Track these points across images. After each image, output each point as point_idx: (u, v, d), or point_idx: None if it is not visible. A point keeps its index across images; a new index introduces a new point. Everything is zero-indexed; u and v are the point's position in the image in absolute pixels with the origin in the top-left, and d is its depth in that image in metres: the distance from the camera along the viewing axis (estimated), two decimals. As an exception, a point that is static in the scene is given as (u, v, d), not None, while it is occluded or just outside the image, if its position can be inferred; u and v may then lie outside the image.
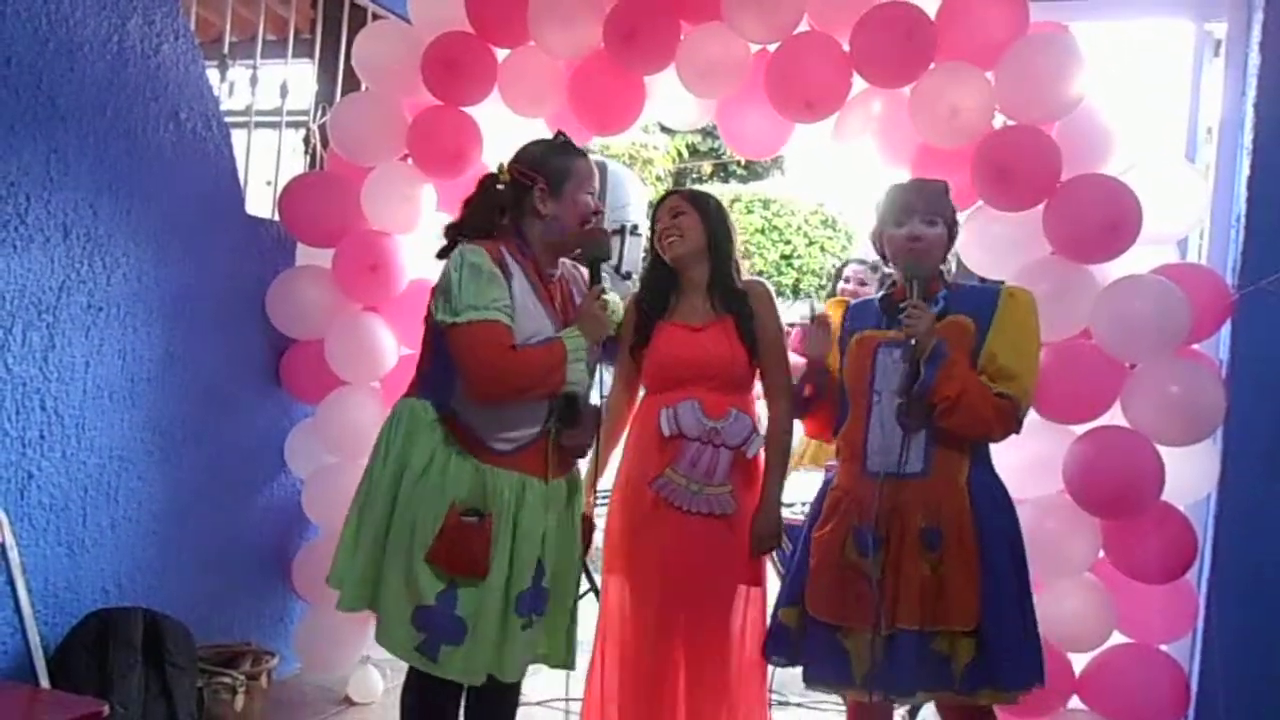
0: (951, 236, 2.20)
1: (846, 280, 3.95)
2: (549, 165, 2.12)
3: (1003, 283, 2.33)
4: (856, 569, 2.11)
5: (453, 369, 2.05)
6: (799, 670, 2.27)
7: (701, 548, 2.34)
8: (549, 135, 2.28)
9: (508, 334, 2.00)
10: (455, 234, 2.14)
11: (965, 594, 2.04)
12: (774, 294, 2.50)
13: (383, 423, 2.16)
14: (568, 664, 2.24)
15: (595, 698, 2.49)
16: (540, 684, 3.13)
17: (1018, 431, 2.09)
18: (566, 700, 2.54)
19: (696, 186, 16.04)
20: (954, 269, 2.40)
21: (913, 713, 2.17)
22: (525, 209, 2.12)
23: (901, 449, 2.09)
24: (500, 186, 2.15)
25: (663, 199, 2.46)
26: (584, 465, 2.35)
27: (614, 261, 3.70)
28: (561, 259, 2.22)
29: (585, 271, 2.23)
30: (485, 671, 2.05)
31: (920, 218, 2.13)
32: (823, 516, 2.22)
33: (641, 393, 2.52)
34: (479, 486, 2.04)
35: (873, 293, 3.89)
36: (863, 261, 4.01)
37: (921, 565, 2.06)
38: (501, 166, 2.18)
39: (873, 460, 2.13)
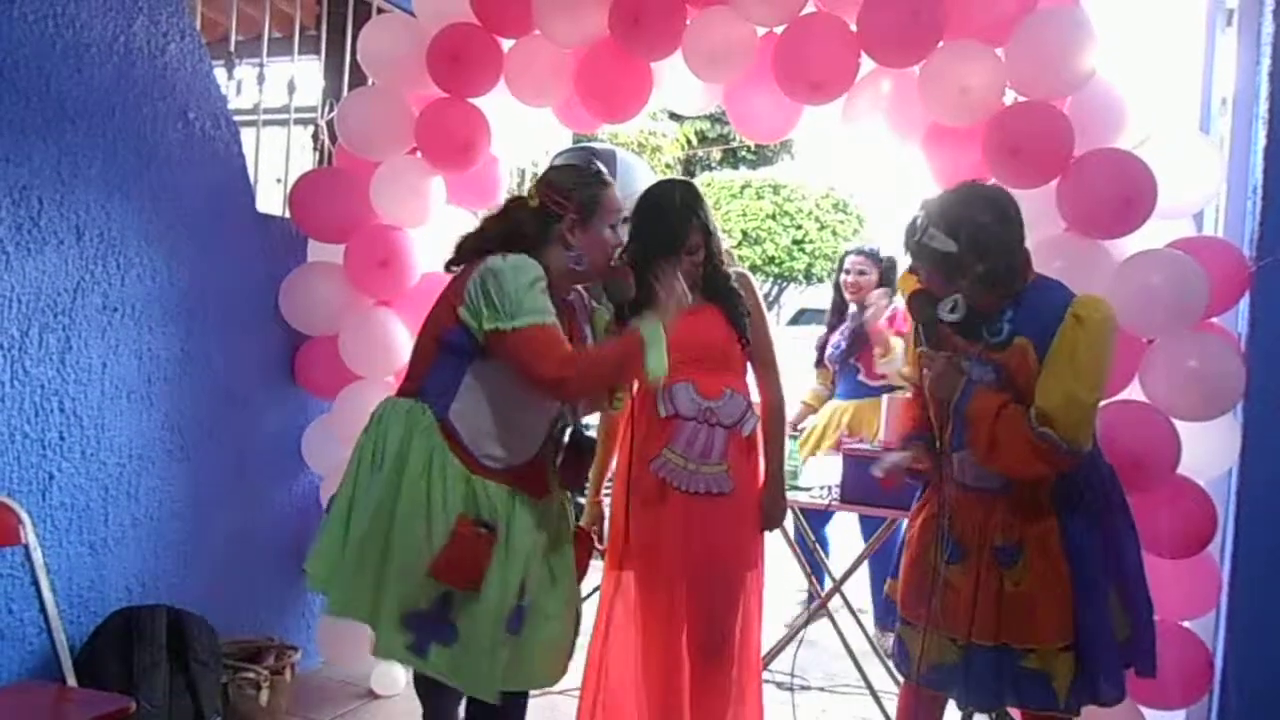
0: (955, 275, 1.95)
1: (847, 271, 3.95)
2: (581, 196, 2.07)
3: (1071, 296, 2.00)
4: (934, 570, 2.08)
5: (456, 378, 2.01)
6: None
7: (700, 528, 2.35)
8: (575, 158, 2.22)
9: (556, 333, 1.95)
10: (477, 246, 2.08)
11: (1053, 609, 1.97)
12: (754, 282, 2.54)
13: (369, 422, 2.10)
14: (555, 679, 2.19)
15: (592, 691, 2.48)
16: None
17: (1077, 462, 1.93)
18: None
19: (705, 174, 16.00)
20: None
21: (967, 718, 2.15)
22: (551, 236, 2.07)
23: (956, 462, 2.07)
24: (529, 211, 2.09)
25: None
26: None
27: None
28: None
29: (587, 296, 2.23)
30: (486, 685, 1.99)
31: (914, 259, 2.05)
32: (915, 507, 2.22)
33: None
34: (471, 496, 2.00)
35: (874, 281, 3.92)
36: (861, 250, 4.02)
37: (1001, 581, 2.00)
38: (531, 191, 2.13)
39: (955, 468, 2.09)
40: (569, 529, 2.21)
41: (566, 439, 2.17)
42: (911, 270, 2.09)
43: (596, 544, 2.42)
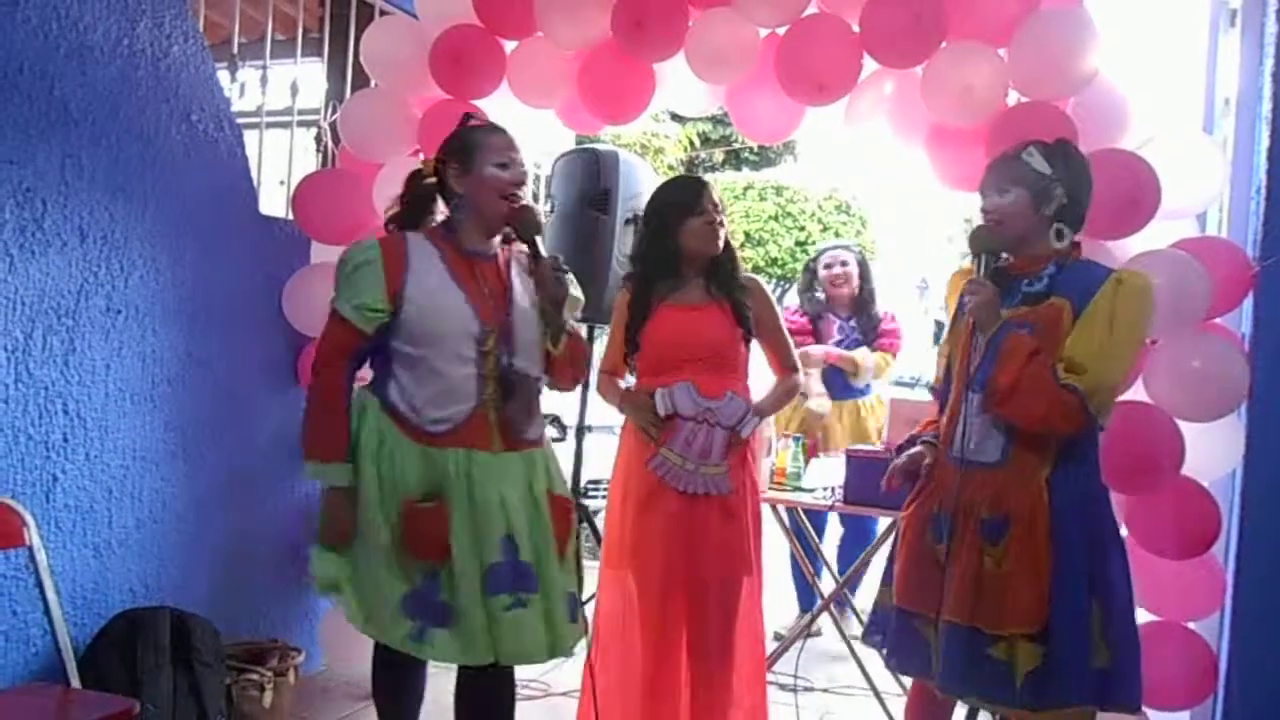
0: (1042, 200, 2.00)
1: (829, 266, 3.91)
2: (457, 144, 2.14)
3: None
4: (934, 555, 2.05)
5: (386, 361, 2.10)
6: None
7: (701, 529, 2.35)
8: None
9: (344, 332, 2.06)
10: (387, 227, 2.19)
11: (1028, 594, 1.91)
12: (768, 287, 2.56)
13: None
14: (567, 651, 2.14)
15: (592, 692, 2.47)
16: (565, 675, 3.14)
17: (1091, 426, 1.94)
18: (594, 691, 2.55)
19: (708, 175, 16.04)
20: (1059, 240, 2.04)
21: (972, 714, 2.14)
22: (448, 194, 2.15)
23: (964, 432, 2.03)
24: (428, 180, 2.18)
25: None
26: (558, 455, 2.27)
27: (627, 252, 3.73)
28: (508, 242, 2.20)
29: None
30: (483, 655, 2.01)
31: (993, 188, 2.05)
32: (910, 495, 2.19)
33: (631, 379, 2.52)
34: (426, 467, 2.04)
35: (856, 272, 3.91)
36: (835, 246, 4.00)
37: (981, 558, 1.97)
38: (425, 160, 2.21)
39: (954, 445, 2.06)
40: (543, 491, 2.13)
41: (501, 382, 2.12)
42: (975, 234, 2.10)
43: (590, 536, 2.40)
